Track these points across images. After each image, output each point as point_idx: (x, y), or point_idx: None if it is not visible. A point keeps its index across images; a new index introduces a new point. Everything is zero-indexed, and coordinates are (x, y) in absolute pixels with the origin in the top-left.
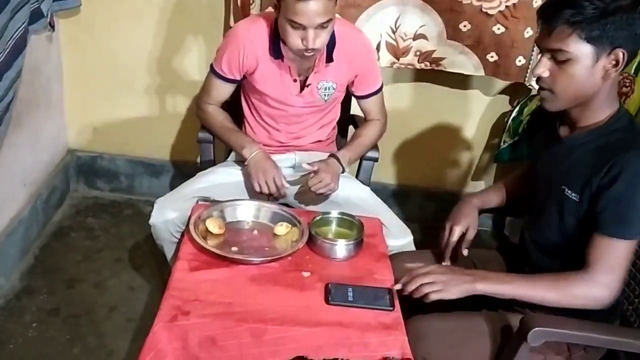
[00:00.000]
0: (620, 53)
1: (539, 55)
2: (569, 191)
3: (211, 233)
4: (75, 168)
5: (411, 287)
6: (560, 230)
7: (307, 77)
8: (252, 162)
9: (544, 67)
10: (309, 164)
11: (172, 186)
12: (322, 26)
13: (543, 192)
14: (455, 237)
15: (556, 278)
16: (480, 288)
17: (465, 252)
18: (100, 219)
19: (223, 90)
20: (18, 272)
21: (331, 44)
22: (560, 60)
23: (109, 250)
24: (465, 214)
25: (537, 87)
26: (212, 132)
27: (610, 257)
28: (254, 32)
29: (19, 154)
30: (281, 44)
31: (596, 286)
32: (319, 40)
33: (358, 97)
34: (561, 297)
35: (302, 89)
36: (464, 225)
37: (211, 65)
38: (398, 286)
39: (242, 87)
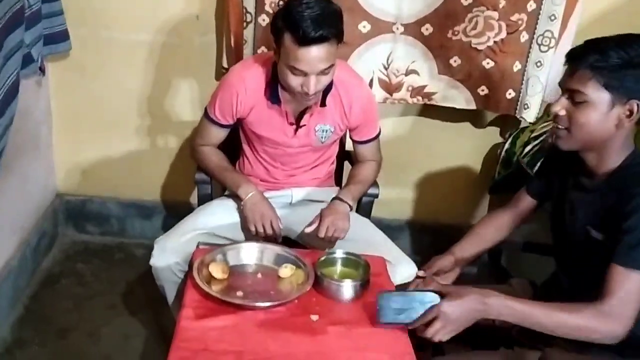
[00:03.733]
0: (635, 104)
1: (559, 95)
2: (594, 232)
3: (215, 278)
4: (64, 212)
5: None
6: (589, 271)
7: (301, 118)
8: (248, 204)
9: (561, 106)
10: (309, 225)
11: (165, 227)
12: (324, 72)
13: (568, 236)
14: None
15: (569, 308)
16: (493, 313)
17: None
18: (91, 264)
19: (217, 134)
20: (8, 324)
21: (327, 89)
22: (577, 102)
23: (101, 296)
24: (438, 260)
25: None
26: (207, 172)
27: (624, 289)
28: (248, 81)
29: (7, 200)
30: (279, 89)
31: (608, 319)
32: (320, 85)
33: (355, 142)
34: (571, 328)
35: (297, 130)
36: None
37: (205, 110)
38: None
39: (240, 126)
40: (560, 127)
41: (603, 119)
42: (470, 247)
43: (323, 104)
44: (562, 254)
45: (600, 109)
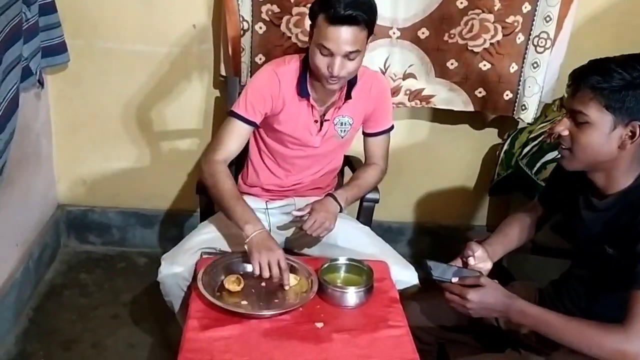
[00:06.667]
0: (637, 126)
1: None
2: (610, 249)
3: (230, 291)
4: (66, 223)
5: (452, 304)
6: (603, 278)
7: (326, 114)
8: (254, 240)
9: (564, 126)
10: (299, 209)
11: (166, 236)
12: (350, 57)
13: (583, 249)
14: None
15: (591, 325)
16: (515, 319)
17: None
18: (94, 275)
19: (241, 135)
20: (13, 336)
21: (352, 82)
22: (579, 122)
23: (104, 307)
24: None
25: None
26: (212, 193)
27: None
28: (281, 75)
29: (9, 213)
30: (308, 82)
31: (629, 342)
32: (345, 70)
33: (366, 135)
34: (591, 346)
35: (321, 126)
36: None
37: (230, 112)
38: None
39: (256, 129)
40: (563, 147)
41: (605, 140)
42: (498, 247)
43: (349, 97)
44: (577, 258)
45: (602, 130)
